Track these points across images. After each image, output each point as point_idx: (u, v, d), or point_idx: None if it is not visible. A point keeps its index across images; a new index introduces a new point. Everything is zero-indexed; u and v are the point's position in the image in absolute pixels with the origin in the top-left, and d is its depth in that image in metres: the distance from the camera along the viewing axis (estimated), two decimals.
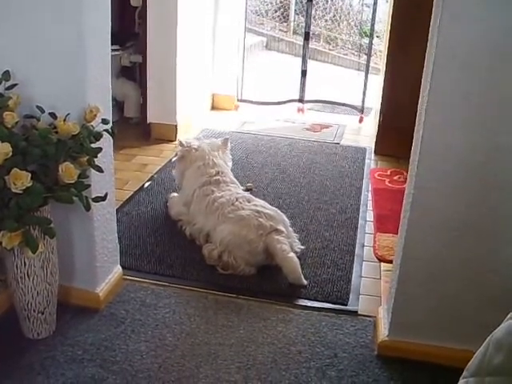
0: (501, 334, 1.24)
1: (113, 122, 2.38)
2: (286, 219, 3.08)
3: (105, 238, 2.53)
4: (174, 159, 4.18)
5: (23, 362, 2.20)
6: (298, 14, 9.05)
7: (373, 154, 4.74)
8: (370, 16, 5.73)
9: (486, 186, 2.06)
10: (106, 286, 2.59)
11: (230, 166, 3.56)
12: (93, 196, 2.24)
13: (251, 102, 5.92)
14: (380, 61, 6.04)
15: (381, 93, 4.69)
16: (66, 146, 2.09)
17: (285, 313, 2.61)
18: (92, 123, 2.19)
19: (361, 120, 5.68)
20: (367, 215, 3.65)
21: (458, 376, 1.38)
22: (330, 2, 8.67)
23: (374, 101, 5.37)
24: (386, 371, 2.28)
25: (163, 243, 3.13)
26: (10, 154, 1.92)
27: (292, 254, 2.81)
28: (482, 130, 2.00)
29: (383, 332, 2.39)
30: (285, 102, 5.94)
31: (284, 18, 9.26)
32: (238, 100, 5.87)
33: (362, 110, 5.67)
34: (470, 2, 1.88)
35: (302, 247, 3.07)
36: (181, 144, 3.54)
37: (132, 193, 3.76)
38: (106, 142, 2.34)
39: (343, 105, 5.95)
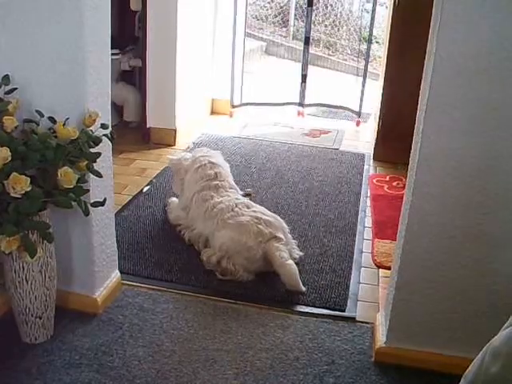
0: (498, 342, 1.24)
1: (112, 126, 2.38)
2: (285, 226, 3.08)
3: (103, 243, 2.53)
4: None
5: (20, 366, 2.20)
6: (297, 19, 9.05)
7: (372, 160, 4.74)
8: (370, 22, 5.74)
9: (484, 193, 2.07)
10: (104, 291, 2.59)
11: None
12: (92, 201, 2.25)
13: (251, 103, 5.91)
14: (379, 66, 6.06)
15: (380, 98, 4.70)
16: (65, 150, 2.10)
17: (283, 319, 2.60)
18: (91, 128, 2.19)
19: (358, 123, 5.69)
20: (366, 221, 3.65)
21: (455, 383, 1.39)
22: (329, 7, 8.67)
23: (373, 106, 5.38)
24: (383, 378, 2.28)
25: (162, 248, 3.13)
26: (9, 158, 1.93)
27: (290, 262, 2.81)
28: (481, 136, 2.00)
29: (381, 339, 2.39)
30: (284, 104, 5.96)
31: (284, 23, 9.26)
32: (232, 106, 5.79)
33: (359, 114, 5.68)
34: (470, 9, 1.88)
35: (301, 253, 3.08)
36: (170, 160, 3.58)
37: (131, 197, 3.76)
38: (105, 147, 2.34)
39: (341, 108, 5.96)
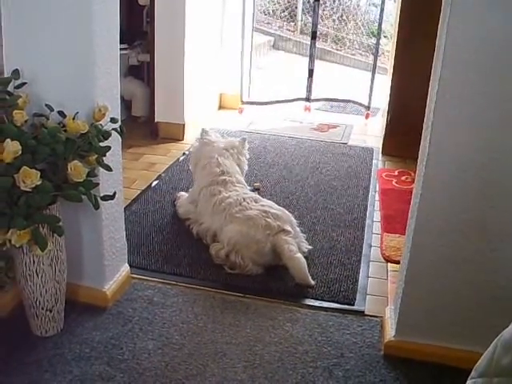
0: (509, 334, 1.24)
1: (121, 121, 2.38)
2: (294, 219, 3.08)
3: (113, 237, 2.54)
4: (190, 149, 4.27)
5: (31, 359, 2.21)
6: (305, 14, 9.04)
7: (380, 154, 4.74)
8: (378, 16, 5.72)
9: (493, 187, 2.06)
10: (114, 285, 2.60)
11: (245, 168, 3.56)
12: (101, 194, 2.25)
13: (258, 103, 5.89)
14: (387, 61, 6.04)
15: (388, 93, 4.68)
16: (74, 144, 2.10)
17: (292, 312, 2.61)
18: (101, 122, 2.20)
19: (367, 116, 5.68)
20: (374, 215, 3.65)
21: (464, 377, 1.39)
22: (337, 1, 8.66)
23: (382, 101, 5.37)
24: (392, 371, 2.28)
25: (171, 242, 3.14)
26: (20, 152, 1.94)
27: (299, 255, 2.81)
28: (491, 130, 2.00)
29: (390, 332, 2.39)
30: (291, 101, 5.94)
31: (291, 17, 9.25)
32: (242, 102, 5.77)
33: (368, 107, 5.66)
34: (478, 4, 1.87)
35: (310, 247, 3.08)
36: (203, 131, 3.56)
37: (140, 192, 3.77)
38: (115, 141, 2.35)
39: (350, 101, 5.95)
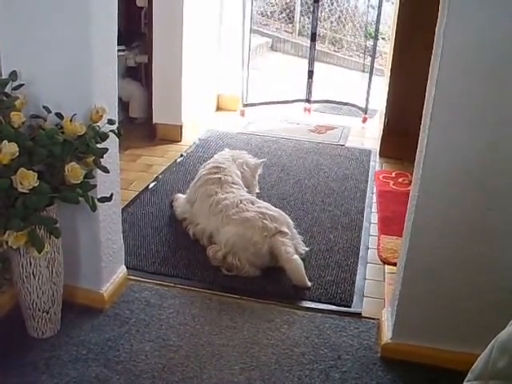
0: (505, 337, 1.24)
1: (118, 122, 2.38)
2: (290, 221, 3.08)
3: (110, 238, 2.54)
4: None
5: (27, 360, 2.21)
6: (303, 16, 9.04)
7: (377, 156, 4.74)
8: (375, 18, 5.72)
9: (490, 190, 2.06)
10: (111, 286, 2.60)
11: (256, 190, 3.67)
12: (99, 196, 2.25)
13: (257, 104, 5.88)
14: (384, 62, 6.05)
15: (386, 95, 4.69)
16: (72, 146, 2.10)
17: (289, 314, 2.61)
18: (98, 123, 2.20)
19: (364, 120, 5.68)
20: (371, 217, 3.65)
21: (461, 379, 1.38)
22: (335, 3, 8.66)
23: (379, 103, 5.37)
24: (389, 373, 2.28)
25: (168, 244, 3.14)
26: (17, 153, 1.93)
27: (296, 256, 2.81)
28: (488, 133, 2.00)
29: (387, 334, 2.39)
30: (292, 102, 5.94)
31: (289, 19, 9.25)
32: (244, 105, 5.75)
33: (365, 111, 5.67)
34: (476, 7, 1.88)
35: (307, 249, 3.08)
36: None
37: (137, 193, 3.76)
38: (112, 143, 2.35)
39: (347, 104, 5.95)
